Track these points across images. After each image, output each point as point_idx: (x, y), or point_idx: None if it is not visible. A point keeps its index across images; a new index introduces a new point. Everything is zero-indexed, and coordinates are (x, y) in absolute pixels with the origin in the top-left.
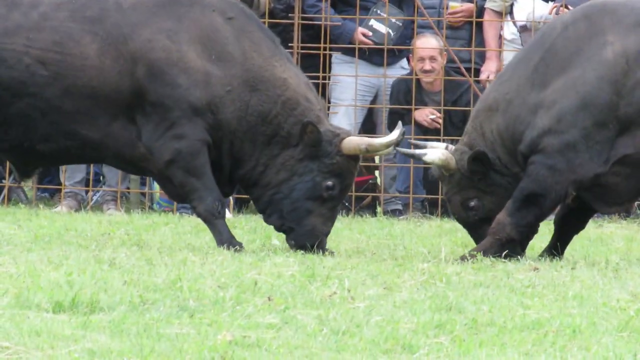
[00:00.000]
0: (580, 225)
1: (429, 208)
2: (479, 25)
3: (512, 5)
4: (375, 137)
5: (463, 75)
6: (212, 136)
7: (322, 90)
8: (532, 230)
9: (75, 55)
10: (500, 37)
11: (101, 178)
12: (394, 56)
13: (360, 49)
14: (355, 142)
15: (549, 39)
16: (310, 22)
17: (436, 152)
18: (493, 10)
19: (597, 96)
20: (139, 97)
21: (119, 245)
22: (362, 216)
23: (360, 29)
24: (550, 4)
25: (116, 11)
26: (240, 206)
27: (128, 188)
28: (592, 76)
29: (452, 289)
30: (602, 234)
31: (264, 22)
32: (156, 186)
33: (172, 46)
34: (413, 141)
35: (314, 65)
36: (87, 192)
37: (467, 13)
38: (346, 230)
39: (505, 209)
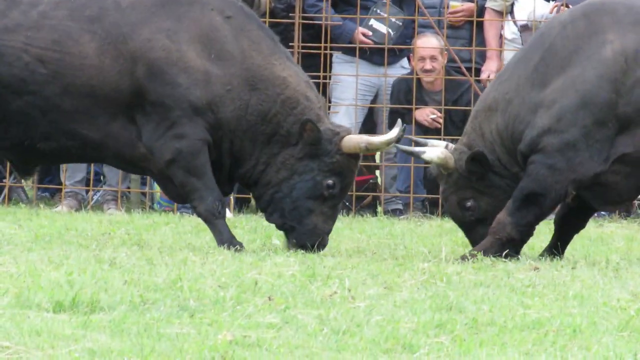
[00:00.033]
0: (580, 225)
1: (430, 208)
2: (480, 25)
3: (512, 5)
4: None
5: (464, 74)
6: (212, 135)
7: (323, 89)
8: (531, 229)
9: (74, 54)
10: (501, 36)
11: (102, 178)
12: (395, 56)
13: (360, 48)
14: (354, 140)
15: (548, 38)
16: (311, 21)
17: (435, 150)
18: (494, 10)
19: (597, 95)
20: (139, 97)
21: (119, 245)
22: (362, 216)
23: (360, 29)
24: (551, 3)
25: (115, 10)
26: (240, 206)
27: (128, 188)
28: (592, 75)
29: (453, 289)
30: (602, 233)
31: (265, 22)
32: (157, 186)
33: (172, 46)
34: (414, 137)
35: (315, 64)
36: (87, 191)
37: (467, 12)
38: (347, 230)
39: (505, 209)
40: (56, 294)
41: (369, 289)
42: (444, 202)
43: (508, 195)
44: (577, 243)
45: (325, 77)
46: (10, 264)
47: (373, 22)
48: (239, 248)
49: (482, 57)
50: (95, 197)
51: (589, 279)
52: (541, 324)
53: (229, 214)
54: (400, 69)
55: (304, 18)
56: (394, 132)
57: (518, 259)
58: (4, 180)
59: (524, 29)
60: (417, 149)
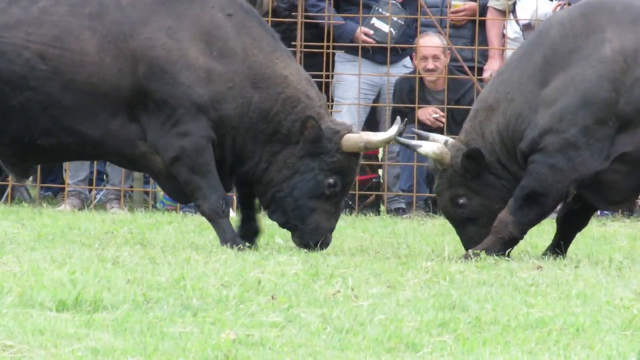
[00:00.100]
0: (582, 223)
1: (433, 207)
2: (482, 24)
3: (514, 4)
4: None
5: (466, 74)
6: (215, 133)
7: (325, 88)
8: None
9: (75, 51)
10: (504, 35)
11: (104, 177)
12: (397, 55)
13: (363, 47)
14: (354, 139)
15: (548, 37)
16: (313, 20)
17: (431, 145)
18: (496, 9)
19: (597, 94)
20: (141, 96)
21: (122, 244)
22: (365, 215)
23: (362, 29)
24: (554, 2)
25: (115, 8)
26: None
27: (131, 187)
28: (592, 74)
29: (456, 288)
30: (605, 232)
31: (267, 21)
32: None
33: (173, 44)
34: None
35: (317, 63)
36: (90, 190)
37: (470, 12)
38: (350, 229)
39: (507, 208)
40: (59, 293)
41: (372, 288)
42: (437, 197)
43: (501, 196)
44: (580, 242)
45: (327, 76)
46: (14, 263)
47: (375, 21)
48: (242, 247)
49: (485, 56)
50: (98, 196)
51: (592, 277)
52: (544, 323)
53: (232, 213)
54: (402, 68)
55: (306, 17)
56: (393, 129)
57: (522, 258)
58: (7, 180)
59: (527, 28)
60: (414, 142)
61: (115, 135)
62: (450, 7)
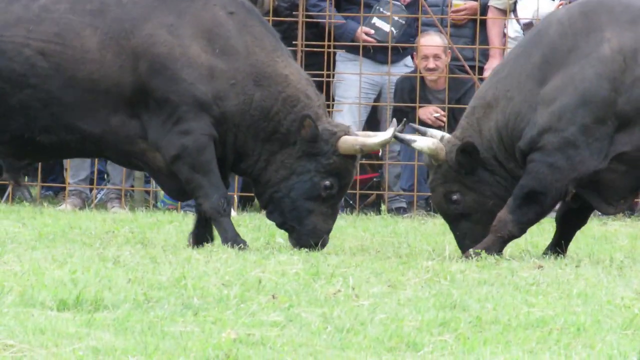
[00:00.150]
0: (581, 222)
1: (434, 206)
2: (483, 23)
3: (515, 3)
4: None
5: (467, 73)
6: (217, 130)
7: (326, 88)
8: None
9: (76, 47)
10: (504, 35)
11: (105, 176)
12: (398, 54)
13: (364, 46)
14: (350, 142)
15: (547, 36)
16: (315, 20)
17: (426, 140)
18: (497, 8)
19: (596, 93)
20: (142, 93)
21: (123, 243)
22: (366, 214)
23: (363, 29)
24: (556, 1)
25: (116, 5)
26: (244, 204)
27: (132, 186)
28: (591, 73)
29: (457, 287)
30: (606, 231)
31: (268, 20)
32: None
33: (174, 41)
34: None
35: (318, 63)
36: (91, 190)
37: (470, 11)
38: (350, 228)
39: (506, 207)
40: (60, 293)
41: (373, 287)
42: (431, 193)
43: (495, 192)
44: (581, 241)
45: (328, 76)
46: (14, 262)
47: (376, 21)
48: (242, 246)
49: (485, 55)
50: (99, 196)
51: (593, 277)
52: (545, 322)
53: (233, 212)
54: (403, 68)
55: (307, 16)
56: (389, 132)
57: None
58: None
59: (527, 27)
60: (409, 137)
61: (115, 132)
62: (451, 6)
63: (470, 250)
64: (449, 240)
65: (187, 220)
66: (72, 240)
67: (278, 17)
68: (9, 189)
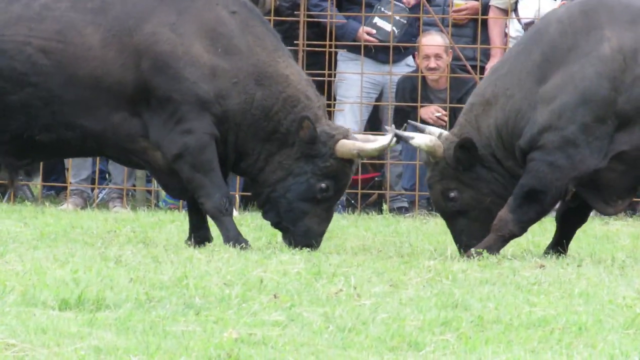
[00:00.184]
0: (581, 220)
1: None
2: (484, 23)
3: (516, 3)
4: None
5: (468, 72)
6: (219, 129)
7: (328, 87)
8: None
9: (78, 45)
10: (506, 34)
11: (107, 176)
12: (400, 54)
13: (366, 46)
14: (347, 146)
15: (547, 34)
16: (316, 19)
17: (424, 137)
18: (498, 8)
19: (596, 92)
20: (144, 91)
21: (125, 243)
22: (368, 213)
23: (364, 28)
24: (558, 1)
25: (118, 3)
26: (246, 204)
27: (134, 185)
28: (591, 72)
29: (458, 287)
30: (608, 231)
31: (270, 20)
32: None
33: (177, 39)
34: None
35: (320, 62)
36: (93, 189)
37: (472, 10)
38: (352, 228)
39: (506, 206)
40: (62, 292)
41: (375, 287)
42: (428, 190)
43: (493, 190)
44: (583, 241)
45: (330, 75)
46: (16, 262)
47: (377, 20)
48: (244, 246)
49: (487, 55)
50: (100, 195)
51: (594, 276)
52: (547, 322)
53: (234, 212)
54: (405, 67)
55: (308, 16)
56: (387, 138)
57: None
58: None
59: (529, 26)
60: (407, 133)
61: (116, 130)
62: (452, 5)
63: (472, 249)
64: (451, 240)
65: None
66: (73, 240)
67: (279, 16)
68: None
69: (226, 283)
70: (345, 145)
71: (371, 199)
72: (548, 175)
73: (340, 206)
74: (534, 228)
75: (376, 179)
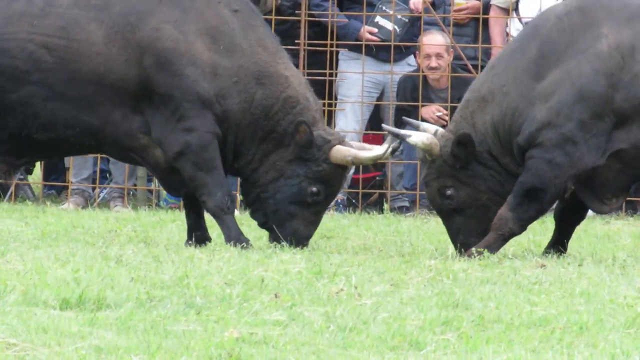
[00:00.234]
0: (580, 217)
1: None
2: (485, 22)
3: (517, 2)
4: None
5: (470, 72)
6: (219, 128)
7: (329, 87)
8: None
9: (82, 41)
10: (507, 33)
11: (108, 175)
12: (401, 53)
13: (367, 45)
14: (342, 152)
15: (544, 30)
16: (317, 19)
17: (421, 135)
18: (499, 7)
19: (593, 89)
20: (146, 88)
21: (125, 242)
22: (369, 213)
23: (366, 27)
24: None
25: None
26: None
27: (135, 185)
28: (588, 69)
29: (459, 286)
30: (609, 230)
31: (271, 19)
32: None
33: (180, 36)
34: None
35: (321, 62)
36: (94, 189)
37: (473, 10)
38: (353, 227)
39: (506, 204)
40: (63, 292)
41: (376, 286)
42: (424, 188)
43: (490, 187)
44: (584, 240)
45: (331, 75)
46: (17, 261)
47: (379, 19)
48: (245, 245)
49: (488, 54)
50: (101, 195)
51: (595, 276)
52: (548, 321)
53: (236, 211)
54: (406, 66)
55: (310, 15)
56: (383, 147)
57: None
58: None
59: None
60: (404, 131)
61: (116, 126)
62: (453, 5)
63: (473, 248)
64: None
65: None
66: (74, 239)
67: (281, 16)
68: (12, 188)
69: (227, 282)
70: (340, 151)
71: (372, 198)
72: (547, 172)
73: (341, 205)
74: (535, 227)
75: (377, 178)
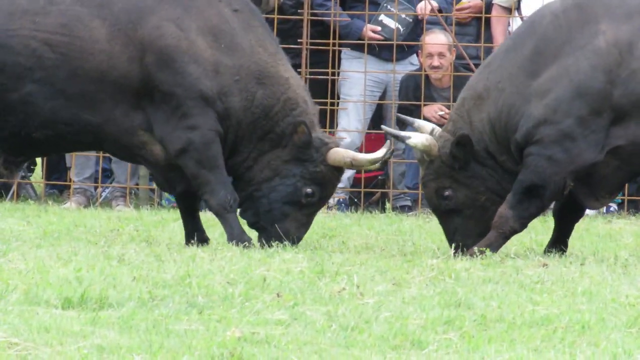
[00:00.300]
0: (578, 215)
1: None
2: (487, 21)
3: (519, 1)
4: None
5: (472, 71)
6: (221, 126)
7: (331, 86)
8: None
9: (84, 38)
10: (509, 32)
11: (110, 174)
12: (403, 52)
13: (369, 44)
14: (341, 154)
15: (540, 27)
16: (320, 18)
17: (420, 136)
18: (501, 6)
19: (591, 85)
20: (148, 85)
21: (128, 242)
22: (371, 212)
23: (370, 26)
24: None
25: None
26: None
27: (137, 184)
28: (585, 65)
29: (461, 285)
30: (611, 229)
31: (274, 18)
32: None
33: (181, 34)
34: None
35: (323, 61)
36: (96, 188)
37: (475, 9)
38: (355, 226)
39: (506, 202)
40: (65, 291)
41: (378, 286)
42: (422, 188)
43: (488, 186)
44: (586, 239)
45: (333, 74)
46: (19, 260)
47: (383, 18)
48: (247, 244)
49: (490, 53)
50: (103, 194)
51: (597, 275)
52: (550, 321)
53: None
54: (408, 66)
55: (312, 14)
56: (381, 151)
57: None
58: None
59: None
60: (403, 133)
61: (116, 123)
62: (455, 4)
63: (475, 247)
64: None
65: None
66: (76, 239)
67: (283, 14)
68: (14, 187)
69: (229, 282)
70: (339, 153)
71: (374, 197)
72: (547, 169)
73: (343, 204)
74: (537, 226)
75: (379, 177)
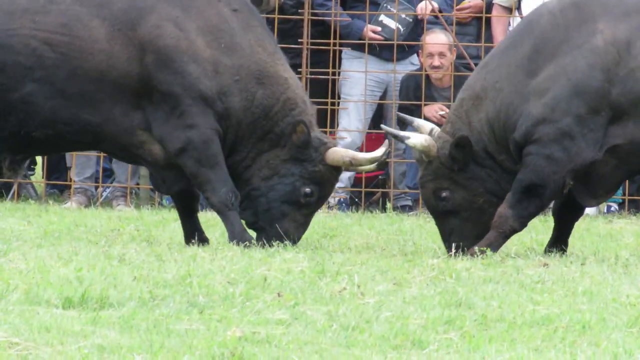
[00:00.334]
0: (578, 214)
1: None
2: (488, 21)
3: (520, 1)
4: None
5: (472, 71)
6: (220, 126)
7: (332, 86)
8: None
9: (84, 38)
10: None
11: (110, 174)
12: (404, 52)
13: (370, 44)
14: (340, 154)
15: (538, 26)
16: (320, 18)
17: (419, 137)
18: (501, 6)
19: (589, 83)
20: (147, 85)
21: (128, 241)
22: (371, 212)
23: (370, 27)
24: None
25: None
26: None
27: (138, 184)
28: (583, 64)
29: (462, 285)
30: (611, 229)
31: (274, 18)
32: None
33: (181, 34)
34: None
35: (324, 60)
36: (96, 188)
37: (475, 9)
38: (356, 226)
39: (505, 202)
40: (65, 290)
41: (378, 285)
42: (420, 188)
43: (486, 187)
44: (587, 239)
45: (334, 74)
46: (20, 260)
47: (383, 18)
48: (248, 243)
49: None
50: (104, 194)
51: (598, 275)
52: (550, 320)
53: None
54: (409, 65)
55: (313, 14)
56: (380, 151)
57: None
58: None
59: None
60: (403, 133)
61: (115, 122)
62: (455, 5)
63: (475, 247)
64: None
65: None
66: (77, 238)
67: (284, 14)
68: (14, 187)
69: (230, 281)
70: (338, 152)
71: (375, 197)
72: (546, 168)
73: (344, 204)
74: (538, 226)
75: (380, 177)
